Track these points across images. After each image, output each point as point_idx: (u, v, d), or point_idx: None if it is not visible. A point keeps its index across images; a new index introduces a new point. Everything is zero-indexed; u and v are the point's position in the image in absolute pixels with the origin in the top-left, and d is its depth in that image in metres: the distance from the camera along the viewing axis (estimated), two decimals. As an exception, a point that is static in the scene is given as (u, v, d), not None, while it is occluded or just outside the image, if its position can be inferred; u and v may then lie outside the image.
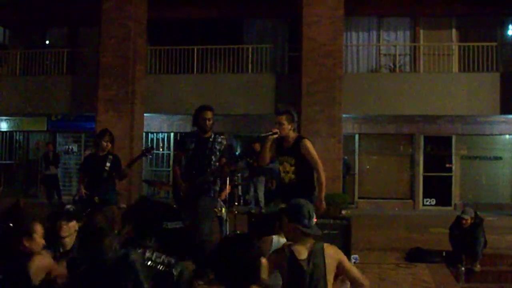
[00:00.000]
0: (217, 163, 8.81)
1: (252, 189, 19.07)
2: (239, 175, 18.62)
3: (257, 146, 18.87)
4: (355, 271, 5.14)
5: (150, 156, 16.55)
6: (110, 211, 9.75)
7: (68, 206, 7.15)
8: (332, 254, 5.10)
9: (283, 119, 8.30)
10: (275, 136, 8.20)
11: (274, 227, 6.71)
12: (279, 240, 6.40)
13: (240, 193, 20.99)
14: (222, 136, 9.06)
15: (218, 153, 8.83)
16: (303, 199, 5.53)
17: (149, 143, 23.50)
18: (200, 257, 8.27)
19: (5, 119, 26.01)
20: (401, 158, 23.03)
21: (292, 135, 8.37)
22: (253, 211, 16.16)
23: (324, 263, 5.01)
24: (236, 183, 16.40)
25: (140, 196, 17.77)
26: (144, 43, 21.06)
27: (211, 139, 8.85)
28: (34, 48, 24.13)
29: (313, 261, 5.00)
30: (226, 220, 10.38)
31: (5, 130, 26.31)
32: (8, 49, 26.08)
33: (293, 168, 8.28)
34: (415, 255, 11.20)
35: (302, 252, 5.03)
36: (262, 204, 18.62)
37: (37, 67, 23.47)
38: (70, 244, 6.59)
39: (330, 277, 5.03)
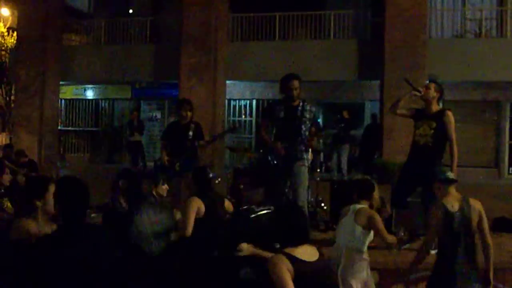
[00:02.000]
0: (307, 132, 8.81)
1: (335, 156, 19.02)
2: (321, 141, 18.60)
3: (345, 114, 18.84)
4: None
5: (232, 132, 16.69)
6: (188, 178, 9.92)
7: None
8: (476, 206, 6.01)
9: (432, 85, 8.64)
10: (418, 94, 8.58)
11: (353, 196, 6.80)
12: (355, 208, 6.55)
13: (322, 159, 20.98)
14: (310, 104, 9.03)
15: (307, 122, 8.81)
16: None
17: (231, 111, 23.68)
18: None
19: (91, 87, 26.62)
20: (486, 125, 22.55)
21: (436, 105, 8.65)
22: (335, 178, 16.19)
23: (470, 214, 5.96)
24: (318, 149, 16.43)
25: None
26: (226, 10, 21.10)
27: (300, 107, 8.81)
28: (118, 16, 24.54)
29: (462, 212, 5.97)
30: (308, 186, 10.36)
31: (91, 98, 26.94)
32: (93, 18, 26.57)
33: (432, 131, 8.46)
34: (501, 225, 10.99)
35: (454, 205, 6.01)
36: (344, 171, 18.57)
37: (121, 36, 23.89)
38: None
39: (474, 227, 6.00)
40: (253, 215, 6.84)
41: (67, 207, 4.56)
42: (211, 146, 11.15)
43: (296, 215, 5.02)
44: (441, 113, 8.51)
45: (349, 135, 19.19)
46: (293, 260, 4.55)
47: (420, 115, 8.72)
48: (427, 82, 8.74)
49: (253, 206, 7.11)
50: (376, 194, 6.82)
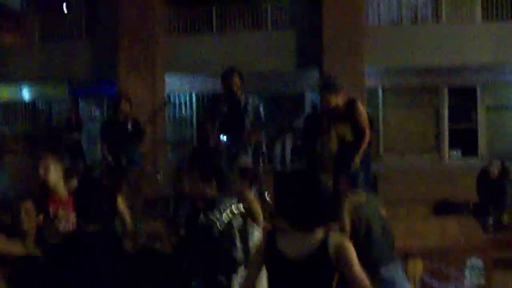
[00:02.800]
0: (249, 125, 8.77)
1: (279, 147, 18.97)
2: (263, 132, 18.54)
3: (288, 105, 18.83)
4: None
5: (163, 108, 16.56)
6: (136, 173, 9.79)
7: None
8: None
9: (327, 95, 8.59)
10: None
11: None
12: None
13: (263, 150, 20.86)
14: (253, 97, 8.99)
15: (251, 116, 8.76)
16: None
17: (171, 105, 23.46)
18: None
19: (27, 88, 26.04)
20: (425, 110, 22.77)
21: (341, 101, 8.58)
22: (278, 169, 16.15)
23: None
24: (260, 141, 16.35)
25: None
26: (162, 2, 20.91)
27: (242, 102, 8.77)
28: (51, 12, 24.07)
29: None
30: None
31: (27, 98, 26.37)
32: (26, 16, 26.01)
33: (349, 129, 8.56)
34: (443, 208, 11.11)
35: None
36: (287, 162, 18.57)
37: (55, 33, 23.43)
38: None
39: None
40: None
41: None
42: (149, 136, 10.98)
43: None
44: (350, 106, 8.59)
45: (292, 126, 19.21)
46: None
47: (330, 116, 8.79)
48: (321, 92, 8.63)
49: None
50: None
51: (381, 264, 6.58)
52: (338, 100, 8.53)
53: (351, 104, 8.47)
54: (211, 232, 5.28)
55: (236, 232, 5.30)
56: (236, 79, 8.69)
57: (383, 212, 7.26)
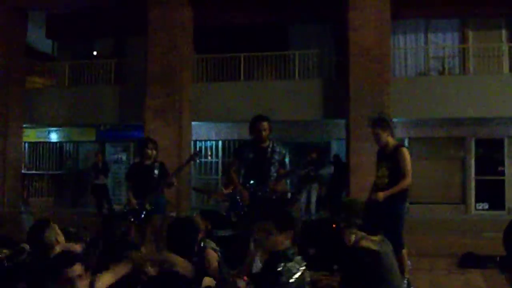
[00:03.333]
0: (275, 173, 8.76)
1: (304, 196, 18.95)
2: (288, 181, 18.53)
3: (314, 154, 18.80)
4: None
5: (198, 161, 16.49)
6: (159, 220, 9.80)
7: None
8: None
9: (378, 129, 8.54)
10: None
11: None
12: None
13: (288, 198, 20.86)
14: (280, 145, 9.00)
15: (276, 164, 8.77)
16: None
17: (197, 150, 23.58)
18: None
19: (55, 130, 26.34)
20: (452, 161, 22.64)
21: (390, 141, 8.58)
22: (303, 218, 16.10)
23: None
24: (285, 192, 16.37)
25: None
26: (190, 51, 21.12)
27: (269, 149, 8.79)
28: (81, 59, 24.43)
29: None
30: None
31: (55, 141, 26.65)
32: (57, 60, 26.42)
33: (388, 172, 8.44)
34: (468, 261, 10.94)
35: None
36: (313, 211, 18.54)
37: (85, 78, 23.76)
38: None
39: None
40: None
41: None
42: (176, 186, 10.99)
43: None
44: (395, 151, 8.49)
45: (318, 175, 19.21)
46: None
47: (379, 156, 8.80)
48: (372, 127, 8.62)
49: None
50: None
51: None
52: (388, 139, 8.56)
53: (397, 148, 8.50)
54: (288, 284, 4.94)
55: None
56: (266, 126, 8.72)
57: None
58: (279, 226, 5.10)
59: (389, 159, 8.48)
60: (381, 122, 8.64)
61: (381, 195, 8.22)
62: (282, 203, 8.88)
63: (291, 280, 4.00)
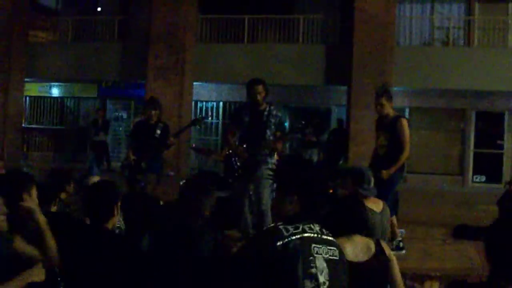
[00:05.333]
0: (271, 136, 8.78)
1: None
2: (286, 145, 18.61)
3: (315, 119, 18.86)
4: None
5: (201, 127, 16.46)
6: (152, 179, 9.89)
7: None
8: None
9: (383, 100, 8.77)
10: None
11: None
12: None
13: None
14: (276, 108, 9.02)
15: (273, 127, 8.79)
16: (366, 167, 7.37)
17: (198, 112, 23.57)
18: (260, 225, 8.36)
19: (57, 85, 26.35)
20: (451, 133, 22.68)
21: (390, 112, 8.81)
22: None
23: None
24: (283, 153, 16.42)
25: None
26: (195, 11, 21.01)
27: (266, 112, 8.80)
28: (85, 15, 24.34)
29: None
30: (273, 190, 10.30)
31: (56, 96, 26.66)
32: (60, 15, 26.31)
33: (387, 142, 8.72)
34: (462, 232, 11.02)
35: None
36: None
37: (88, 34, 23.68)
38: None
39: None
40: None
41: None
42: (175, 146, 11.04)
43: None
44: (395, 121, 8.71)
45: (318, 140, 19.26)
46: None
47: (378, 125, 9.02)
48: (376, 95, 8.83)
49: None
50: None
51: None
52: (389, 110, 8.78)
53: (397, 119, 8.63)
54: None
55: None
56: (261, 89, 8.71)
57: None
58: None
59: (388, 128, 8.69)
60: (387, 94, 8.88)
61: (384, 173, 8.43)
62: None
63: (278, 243, 3.83)
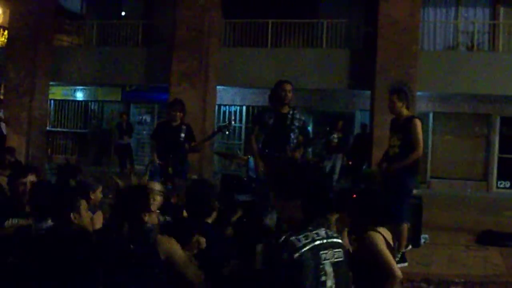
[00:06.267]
0: (295, 140, 8.78)
1: (328, 165, 18.97)
2: (309, 150, 18.55)
3: (340, 123, 18.84)
4: None
5: (227, 133, 16.60)
6: (181, 185, 9.86)
7: None
8: None
9: (394, 97, 8.66)
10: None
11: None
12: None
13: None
14: (300, 112, 9.02)
15: (296, 130, 8.78)
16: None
17: (221, 116, 23.61)
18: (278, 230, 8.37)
19: (81, 89, 26.52)
20: (476, 138, 22.53)
21: (404, 112, 8.67)
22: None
23: None
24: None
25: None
26: (219, 16, 21.04)
27: (289, 115, 8.79)
28: (110, 19, 24.48)
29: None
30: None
31: (80, 99, 26.83)
32: (85, 20, 26.47)
33: (399, 142, 8.55)
34: (487, 238, 10.92)
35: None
36: (335, 180, 18.58)
37: (113, 38, 23.81)
38: None
39: None
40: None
41: None
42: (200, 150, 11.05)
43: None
44: (408, 122, 8.58)
45: (343, 144, 19.22)
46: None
47: (392, 126, 8.92)
48: (389, 94, 8.78)
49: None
50: None
51: None
52: (403, 109, 8.66)
53: (410, 119, 8.54)
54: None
55: None
56: (288, 87, 8.72)
57: None
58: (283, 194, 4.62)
59: (401, 129, 8.58)
60: (398, 91, 8.80)
61: (388, 168, 8.47)
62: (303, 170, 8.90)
63: (295, 255, 3.81)
